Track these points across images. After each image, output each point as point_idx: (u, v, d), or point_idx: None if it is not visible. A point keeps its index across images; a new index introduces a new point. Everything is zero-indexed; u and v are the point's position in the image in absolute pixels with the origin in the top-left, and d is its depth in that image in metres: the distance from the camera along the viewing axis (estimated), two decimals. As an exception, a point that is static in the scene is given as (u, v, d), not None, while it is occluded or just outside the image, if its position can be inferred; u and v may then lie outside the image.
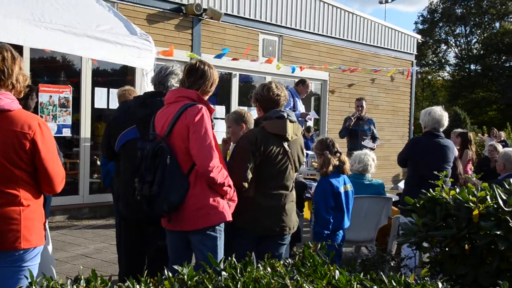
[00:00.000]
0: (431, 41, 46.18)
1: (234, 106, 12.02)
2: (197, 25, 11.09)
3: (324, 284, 2.33)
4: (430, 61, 47.99)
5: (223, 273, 2.33)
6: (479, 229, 3.24)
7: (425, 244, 3.55)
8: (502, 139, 17.81)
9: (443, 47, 48.12)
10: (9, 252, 2.97)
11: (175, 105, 3.74)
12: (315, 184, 6.47)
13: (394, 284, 2.38)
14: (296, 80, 10.66)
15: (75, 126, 9.53)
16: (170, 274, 2.27)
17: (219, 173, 3.64)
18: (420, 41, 19.38)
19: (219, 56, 11.01)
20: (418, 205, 3.63)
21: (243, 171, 3.96)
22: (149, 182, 3.61)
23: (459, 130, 10.28)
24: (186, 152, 3.65)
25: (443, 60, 48.61)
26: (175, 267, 2.32)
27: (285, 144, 4.13)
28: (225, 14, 11.37)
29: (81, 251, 7.18)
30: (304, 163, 6.11)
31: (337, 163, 5.32)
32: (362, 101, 10.52)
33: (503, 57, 43.09)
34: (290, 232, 4.24)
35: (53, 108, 9.06)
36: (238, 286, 2.22)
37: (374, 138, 10.36)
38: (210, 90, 3.92)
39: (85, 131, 9.63)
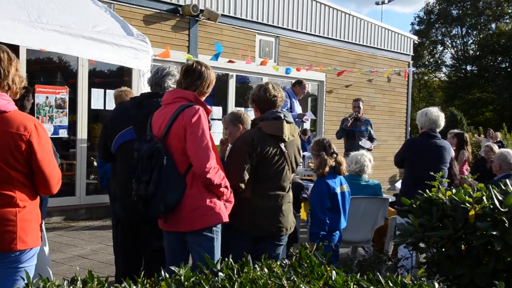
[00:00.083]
0: (428, 42, 46.26)
1: (231, 107, 12.02)
2: (194, 26, 11.09)
3: (320, 285, 2.33)
4: (427, 62, 48.07)
5: (220, 274, 2.33)
6: (475, 229, 3.25)
7: (421, 245, 3.55)
8: (498, 139, 17.86)
9: (440, 48, 48.20)
10: (5, 254, 2.96)
11: (172, 106, 3.74)
12: (311, 184, 6.47)
13: (391, 284, 2.38)
14: (293, 81, 10.67)
15: (72, 127, 9.51)
16: (167, 275, 2.27)
17: (216, 174, 3.64)
18: (417, 42, 19.41)
19: (216, 56, 11.01)
20: (414, 206, 3.64)
21: (239, 172, 3.96)
22: (145, 182, 3.61)
23: (455, 130, 10.31)
24: (183, 153, 3.65)
25: (440, 61, 48.71)
26: (172, 268, 2.32)
27: (282, 145, 4.13)
28: (222, 15, 11.37)
29: (77, 252, 7.16)
30: (301, 164, 6.12)
31: (333, 164, 5.32)
32: (359, 102, 10.53)
33: (499, 58, 43.19)
34: (287, 233, 4.24)
35: (50, 109, 9.04)
36: (235, 287, 2.22)
37: (371, 139, 10.36)
38: (207, 91, 3.92)
39: (82, 132, 9.61)
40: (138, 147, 3.80)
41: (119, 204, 4.33)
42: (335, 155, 5.38)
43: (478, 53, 44.55)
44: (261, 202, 4.08)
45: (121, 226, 4.44)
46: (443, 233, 3.34)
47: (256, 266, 2.46)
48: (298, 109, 10.00)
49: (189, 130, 3.63)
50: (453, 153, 6.52)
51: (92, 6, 6.09)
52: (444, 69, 49.35)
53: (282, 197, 4.17)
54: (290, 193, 4.32)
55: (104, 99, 9.81)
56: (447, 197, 3.52)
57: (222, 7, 11.53)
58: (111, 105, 9.10)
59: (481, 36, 44.79)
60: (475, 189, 3.51)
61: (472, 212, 3.27)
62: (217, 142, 4.21)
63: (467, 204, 3.32)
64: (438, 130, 6.15)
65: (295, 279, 2.34)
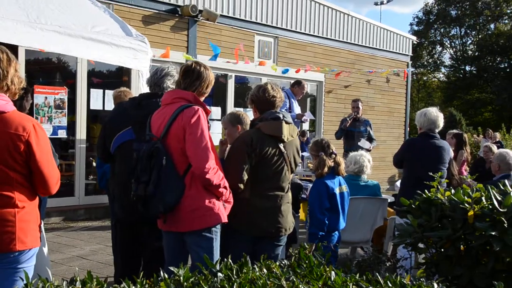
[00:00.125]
0: (426, 42, 46.27)
1: (230, 107, 12.02)
2: (193, 26, 11.09)
3: (320, 285, 2.33)
4: (425, 63, 48.09)
5: (219, 274, 2.33)
6: (474, 230, 3.25)
7: (420, 245, 3.55)
8: (497, 140, 17.87)
9: (438, 48, 48.23)
10: (4, 254, 2.96)
11: (171, 106, 3.74)
12: (311, 185, 6.47)
13: (390, 285, 2.38)
14: (292, 81, 10.67)
15: (71, 127, 9.51)
16: (166, 275, 2.27)
17: (215, 174, 3.64)
18: (415, 43, 19.41)
19: (214, 57, 11.02)
20: (413, 206, 3.64)
21: (238, 172, 3.96)
22: (145, 182, 3.61)
23: (454, 131, 10.32)
24: (182, 153, 3.65)
25: (438, 62, 48.73)
26: (171, 268, 2.32)
27: (281, 145, 4.13)
28: (221, 15, 11.37)
29: (76, 253, 7.16)
30: (300, 164, 6.12)
31: (332, 164, 5.33)
32: (358, 102, 10.53)
33: (498, 59, 43.22)
34: (286, 233, 4.24)
35: (49, 110, 9.04)
36: (234, 287, 2.22)
37: (370, 140, 10.36)
38: (206, 92, 3.92)
39: (81, 132, 9.61)
40: (137, 147, 3.80)
41: (118, 205, 4.33)
42: (333, 156, 5.38)
43: (477, 53, 44.59)
44: (260, 202, 4.08)
45: (120, 226, 4.44)
46: (442, 233, 3.34)
47: (255, 266, 2.46)
48: (297, 109, 10.00)
49: (188, 131, 3.63)
50: (452, 154, 6.52)
51: (91, 7, 6.08)
52: (443, 70, 49.44)
53: (281, 198, 4.17)
54: (289, 194, 4.32)
55: (103, 100, 9.81)
56: (446, 197, 3.53)
57: (221, 7, 11.53)
58: (110, 106, 9.09)
59: (480, 36, 44.83)
60: (474, 189, 3.51)
61: (471, 213, 3.27)
62: (216, 142, 4.21)
63: (466, 205, 3.32)
64: (437, 131, 6.15)
65: (294, 279, 2.34)
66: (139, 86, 6.13)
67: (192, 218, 3.66)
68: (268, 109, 4.19)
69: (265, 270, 2.43)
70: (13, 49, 4.42)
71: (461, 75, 45.95)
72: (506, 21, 44.20)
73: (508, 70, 42.21)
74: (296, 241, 5.49)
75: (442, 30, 46.85)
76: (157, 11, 10.47)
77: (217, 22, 11.35)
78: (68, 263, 6.65)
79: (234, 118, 4.56)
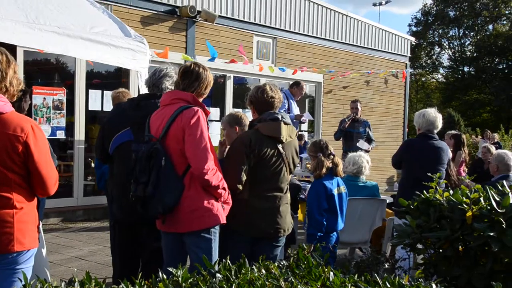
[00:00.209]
0: (425, 43, 46.29)
1: (229, 108, 12.02)
2: (191, 27, 11.09)
3: (318, 286, 2.33)
4: (424, 63, 48.10)
5: (218, 275, 2.33)
6: (473, 230, 3.25)
7: (419, 246, 3.55)
8: (496, 141, 17.87)
9: (437, 49, 48.25)
10: (3, 255, 2.96)
11: (170, 107, 3.74)
12: (309, 185, 6.47)
13: (388, 285, 2.38)
14: (291, 82, 10.68)
15: (69, 128, 9.51)
16: (165, 276, 2.27)
17: (214, 175, 3.64)
18: (414, 43, 19.42)
19: (213, 59, 11.01)
20: (412, 207, 3.64)
21: (237, 173, 3.96)
22: (144, 183, 3.61)
23: (453, 132, 10.32)
24: (181, 154, 3.65)
25: (437, 62, 48.73)
26: (170, 269, 2.32)
27: (280, 146, 4.13)
28: (219, 16, 11.37)
29: (75, 254, 7.15)
30: (298, 165, 6.12)
31: (330, 165, 5.33)
32: (357, 103, 10.54)
33: (496, 60, 43.23)
34: (285, 234, 4.24)
35: (47, 110, 9.04)
36: (233, 288, 2.22)
37: (369, 140, 10.37)
38: (204, 92, 3.92)
39: (79, 133, 9.61)
40: (135, 148, 3.80)
41: (116, 205, 4.33)
42: (332, 157, 5.38)
43: (475, 54, 44.59)
44: (259, 203, 4.08)
45: (118, 227, 4.43)
46: (441, 234, 3.35)
47: (254, 267, 2.46)
48: (295, 110, 10.01)
49: (187, 132, 3.63)
50: (450, 154, 6.53)
51: (90, 8, 6.08)
52: (441, 70, 49.43)
53: (279, 198, 4.17)
54: (288, 194, 4.31)
55: (101, 100, 9.81)
56: (444, 198, 3.53)
57: (220, 8, 11.53)
58: (108, 106, 9.09)
59: (478, 37, 44.84)
60: (473, 190, 3.51)
61: (469, 213, 3.27)
62: (215, 143, 4.21)
63: (465, 205, 3.32)
64: (435, 131, 6.16)
65: (293, 280, 2.34)
66: (138, 87, 6.13)
67: (191, 219, 3.66)
68: (267, 110, 4.19)
69: (263, 271, 2.43)
70: (12, 50, 4.42)
71: (460, 76, 45.97)
72: (505, 22, 44.21)
73: (506, 71, 42.23)
74: (295, 241, 5.49)
75: (440, 31, 46.86)
76: (155, 12, 10.48)
77: (216, 23, 11.35)
78: (66, 264, 6.64)
79: (233, 119, 4.56)
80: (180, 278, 2.26)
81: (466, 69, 46.25)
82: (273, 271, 2.43)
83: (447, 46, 47.74)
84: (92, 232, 8.58)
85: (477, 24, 44.92)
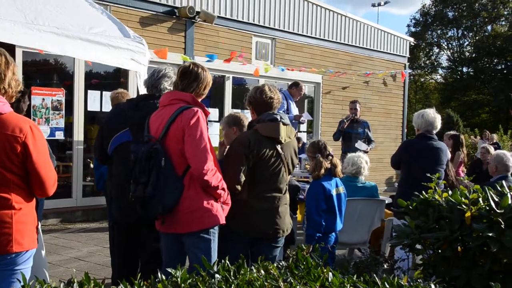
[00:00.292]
0: (424, 44, 46.29)
1: (228, 108, 12.02)
2: (190, 27, 11.09)
3: (317, 287, 2.33)
4: (423, 64, 48.10)
5: (217, 275, 2.33)
6: (472, 231, 3.25)
7: (418, 246, 3.55)
8: (495, 141, 17.85)
9: (436, 50, 48.24)
10: (1, 256, 2.96)
11: (170, 108, 3.74)
12: (308, 186, 6.47)
13: (387, 286, 2.38)
14: (290, 82, 10.68)
15: (68, 129, 9.50)
16: (164, 277, 2.27)
17: (214, 176, 3.64)
18: (413, 44, 19.43)
19: (211, 60, 11.02)
20: (411, 207, 3.64)
21: (236, 174, 3.95)
22: (143, 183, 3.61)
23: (452, 132, 10.32)
24: (181, 154, 3.65)
25: (436, 63, 48.74)
26: (169, 269, 2.32)
27: (278, 147, 4.13)
28: (218, 16, 11.37)
29: (74, 254, 7.15)
30: (297, 166, 6.12)
31: (329, 166, 5.33)
32: (356, 104, 10.54)
33: (495, 60, 43.23)
34: (284, 234, 4.24)
35: (46, 111, 9.03)
36: (232, 288, 2.22)
37: (369, 141, 10.38)
38: (203, 93, 3.92)
39: (78, 134, 9.60)
40: (134, 149, 3.81)
41: (115, 206, 4.32)
42: (330, 157, 5.38)
43: (474, 55, 44.60)
44: (258, 204, 4.08)
45: (117, 228, 4.43)
46: (440, 234, 3.34)
47: (253, 268, 2.46)
48: (294, 110, 10.01)
49: (187, 132, 3.63)
50: (449, 155, 6.53)
51: (89, 8, 6.08)
52: (440, 71, 49.43)
53: (278, 199, 4.17)
54: (287, 195, 4.31)
55: (100, 101, 9.80)
56: (443, 198, 3.52)
57: (219, 9, 11.53)
58: (107, 107, 9.09)
59: (477, 38, 44.83)
60: (471, 190, 3.51)
61: (468, 214, 3.27)
62: (214, 144, 4.21)
63: (463, 206, 3.32)
64: (434, 132, 6.16)
65: (292, 280, 2.34)
66: (137, 88, 6.13)
67: (191, 219, 3.66)
68: (266, 110, 4.19)
69: (262, 272, 2.43)
70: (11, 50, 4.42)
71: (458, 77, 45.97)
72: (503, 23, 44.20)
73: (505, 71, 42.24)
74: (294, 242, 5.49)
75: (439, 31, 46.85)
76: (154, 13, 10.47)
77: (215, 24, 11.35)
78: (65, 264, 6.64)
79: (231, 120, 4.56)
80: (179, 279, 2.26)
81: (465, 69, 46.25)
82: (272, 271, 2.43)
83: (446, 47, 47.75)
84: (91, 233, 8.57)
85: (476, 25, 44.92)
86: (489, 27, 44.50)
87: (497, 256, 3.19)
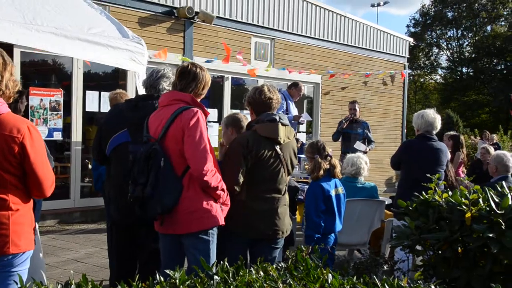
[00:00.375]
0: (423, 44, 46.31)
1: (227, 109, 12.01)
2: (189, 28, 11.07)
3: (316, 288, 2.32)
4: (422, 64, 48.13)
5: (216, 277, 2.32)
6: (472, 232, 3.24)
7: (418, 247, 3.54)
8: (495, 141, 17.86)
9: (435, 50, 48.26)
10: (-2, 257, 2.94)
11: (169, 108, 3.73)
12: (307, 186, 6.46)
13: (387, 287, 2.37)
14: (289, 83, 10.67)
15: (66, 129, 9.48)
16: (162, 278, 2.26)
17: (213, 177, 3.63)
18: (412, 44, 19.43)
19: (210, 60, 11.01)
20: (411, 208, 3.63)
21: (234, 174, 3.94)
22: (142, 184, 3.60)
23: (451, 132, 10.32)
24: (180, 154, 3.64)
25: (435, 63, 48.77)
26: (167, 271, 2.30)
27: (277, 148, 4.11)
28: (217, 17, 11.36)
29: (72, 256, 7.13)
30: (296, 166, 6.10)
31: (327, 167, 5.32)
32: (355, 104, 10.53)
33: (495, 60, 43.25)
34: (283, 236, 4.22)
35: (44, 112, 9.01)
36: (230, 290, 2.21)
37: (369, 141, 10.37)
38: (202, 93, 3.91)
39: (76, 134, 9.58)
40: (133, 149, 3.79)
41: (114, 207, 4.31)
42: (329, 158, 5.37)
43: (473, 55, 44.62)
44: (257, 204, 4.06)
45: (115, 228, 4.41)
46: (440, 235, 3.33)
47: (252, 269, 2.44)
48: (294, 111, 10.00)
49: (187, 133, 3.62)
50: (449, 155, 6.52)
51: (87, 8, 6.06)
52: (439, 71, 49.45)
53: (278, 200, 4.15)
54: (286, 196, 4.30)
55: (99, 102, 9.77)
56: (443, 199, 3.52)
57: (218, 9, 11.52)
58: (106, 108, 9.08)
59: (476, 38, 44.85)
60: (471, 191, 3.50)
61: (468, 214, 3.26)
62: (213, 144, 4.20)
63: (464, 206, 3.31)
64: (434, 132, 6.15)
65: (291, 282, 2.33)
66: (136, 88, 6.12)
67: (190, 220, 3.65)
68: (265, 111, 4.17)
69: (261, 273, 2.42)
70: (9, 50, 4.40)
71: (458, 77, 45.99)
72: (503, 23, 44.24)
73: (504, 71, 42.27)
74: (293, 243, 5.48)
75: (438, 31, 46.88)
76: (153, 13, 10.46)
77: (214, 24, 11.34)
78: (63, 266, 6.62)
79: (229, 121, 4.55)
80: (177, 280, 2.25)
81: (464, 70, 46.28)
82: (271, 273, 2.42)
83: (445, 47, 47.78)
84: (89, 234, 8.55)
85: (475, 25, 44.95)
86: (488, 28, 44.53)
87: (498, 257, 3.18)
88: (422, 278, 3.37)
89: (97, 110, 9.80)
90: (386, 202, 6.81)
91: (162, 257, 3.93)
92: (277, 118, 4.11)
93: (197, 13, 10.96)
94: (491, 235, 3.12)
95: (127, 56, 5.70)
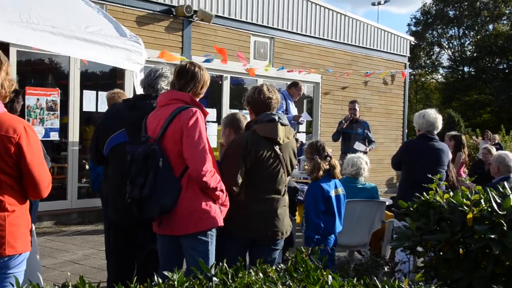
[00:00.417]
0: (424, 43, 46.33)
1: (226, 109, 12.00)
2: (188, 27, 11.05)
3: (316, 290, 2.30)
4: (423, 64, 48.17)
5: (214, 278, 2.32)
6: (473, 233, 3.22)
7: (419, 249, 3.52)
8: (496, 142, 17.86)
9: (436, 49, 48.30)
10: (-6, 259, 2.91)
11: (168, 108, 3.71)
12: (306, 187, 6.44)
13: (388, 289, 2.35)
14: (289, 82, 10.65)
15: (63, 129, 9.46)
16: (160, 280, 2.24)
17: (212, 177, 3.61)
18: (413, 43, 19.43)
19: (208, 60, 10.99)
20: (411, 209, 3.61)
21: (233, 175, 3.92)
22: (140, 184, 3.57)
23: (453, 132, 10.30)
24: (179, 155, 3.62)
25: (437, 63, 48.81)
26: (165, 273, 2.29)
27: (277, 148, 4.08)
28: (216, 16, 11.33)
29: (69, 257, 7.10)
30: (296, 167, 6.08)
31: (327, 167, 5.29)
32: (355, 104, 10.52)
33: (497, 60, 43.29)
34: (283, 237, 4.19)
35: (41, 112, 8.98)
36: (229, 292, 2.19)
37: (369, 141, 10.36)
38: (201, 92, 3.89)
39: (73, 134, 9.56)
40: (130, 149, 3.76)
41: (111, 207, 4.28)
42: (329, 158, 5.34)
43: (475, 54, 44.65)
44: (256, 205, 4.04)
45: (113, 229, 4.39)
46: (441, 236, 3.31)
47: (251, 270, 2.43)
48: (293, 111, 9.99)
49: (186, 133, 3.60)
50: (450, 156, 6.50)
51: (85, 7, 6.03)
52: (441, 71, 49.51)
53: (277, 201, 4.13)
54: (286, 197, 4.27)
55: (96, 101, 9.74)
56: (444, 200, 3.50)
57: (216, 8, 11.49)
58: (103, 107, 9.06)
59: (478, 37, 44.88)
60: (473, 191, 3.48)
61: (470, 215, 3.24)
62: (212, 145, 4.17)
63: (465, 207, 3.29)
64: (435, 132, 6.13)
65: (291, 284, 2.32)
66: (133, 88, 6.09)
67: (189, 221, 3.63)
68: (264, 111, 4.15)
69: (261, 275, 2.41)
70: (5, 49, 4.37)
71: (460, 76, 46.03)
72: (505, 22, 44.26)
73: (506, 71, 42.30)
74: (293, 244, 5.45)
75: (440, 30, 46.91)
76: (151, 12, 10.44)
77: (212, 23, 11.31)
78: (60, 268, 6.59)
79: (228, 121, 4.54)
80: (176, 282, 2.25)
81: (466, 69, 46.34)
82: (270, 274, 2.41)
83: (446, 46, 47.81)
84: (86, 235, 8.53)
85: (477, 24, 44.96)
86: (490, 26, 44.56)
87: (500, 258, 3.17)
88: (423, 279, 3.36)
89: (94, 110, 9.77)
90: (387, 203, 6.79)
91: (160, 258, 3.91)
92: (277, 118, 4.09)
93: (195, 11, 10.93)
94: (493, 236, 3.10)
95: (124, 55, 5.67)
